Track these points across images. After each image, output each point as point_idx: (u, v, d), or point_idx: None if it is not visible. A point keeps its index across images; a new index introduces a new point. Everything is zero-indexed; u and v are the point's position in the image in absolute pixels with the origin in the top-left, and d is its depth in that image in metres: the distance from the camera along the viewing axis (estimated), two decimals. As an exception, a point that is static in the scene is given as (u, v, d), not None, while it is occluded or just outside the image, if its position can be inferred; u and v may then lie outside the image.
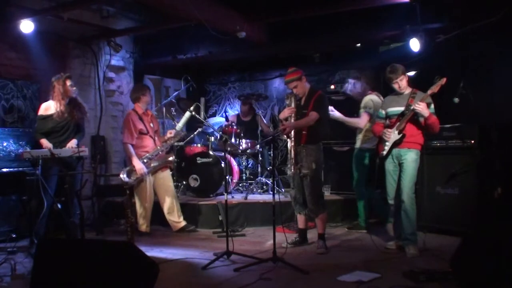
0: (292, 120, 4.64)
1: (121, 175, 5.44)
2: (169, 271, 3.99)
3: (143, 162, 5.50)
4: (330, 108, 5.29)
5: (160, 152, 5.68)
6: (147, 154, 5.57)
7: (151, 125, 5.75)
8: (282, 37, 6.79)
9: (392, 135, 4.35)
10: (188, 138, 7.06)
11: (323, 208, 4.68)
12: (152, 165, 5.58)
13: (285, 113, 4.68)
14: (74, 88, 5.15)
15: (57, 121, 5.02)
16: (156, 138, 5.76)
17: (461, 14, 5.48)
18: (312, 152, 4.60)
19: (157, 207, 5.74)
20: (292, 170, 4.64)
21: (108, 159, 7.26)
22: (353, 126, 5.51)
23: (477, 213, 4.75)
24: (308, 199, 4.65)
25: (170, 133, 5.74)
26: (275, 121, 7.93)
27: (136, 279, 2.60)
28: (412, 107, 4.22)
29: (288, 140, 4.66)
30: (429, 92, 4.19)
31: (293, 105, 4.68)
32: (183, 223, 5.71)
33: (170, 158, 5.77)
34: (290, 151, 4.64)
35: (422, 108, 4.17)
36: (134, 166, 5.45)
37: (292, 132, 4.63)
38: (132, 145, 5.55)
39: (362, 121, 5.36)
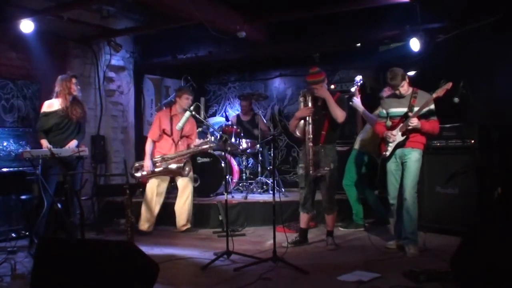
0: (310, 120, 4.61)
1: (132, 171, 5.64)
2: (169, 270, 3.99)
3: (155, 161, 5.58)
4: (353, 91, 5.23)
5: (179, 157, 5.62)
6: (161, 155, 5.60)
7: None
8: (282, 37, 6.80)
9: (396, 137, 4.36)
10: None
11: (336, 206, 4.80)
12: (168, 166, 5.59)
13: (303, 112, 4.66)
14: (78, 87, 5.22)
15: (60, 117, 5.05)
16: (179, 142, 5.71)
17: (461, 14, 5.48)
18: (330, 152, 4.65)
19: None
20: (311, 172, 4.60)
21: (108, 159, 7.26)
22: (369, 121, 5.45)
23: (477, 213, 4.75)
24: (324, 198, 4.71)
25: (196, 141, 5.67)
26: (275, 120, 7.93)
27: (136, 278, 2.60)
28: (408, 124, 4.26)
29: (306, 140, 4.62)
30: (434, 95, 4.18)
31: (310, 104, 4.66)
32: (187, 226, 5.73)
33: (184, 172, 5.63)
34: (309, 151, 4.60)
35: (415, 124, 4.23)
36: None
37: (310, 131, 4.59)
38: (154, 141, 5.66)
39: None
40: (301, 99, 4.76)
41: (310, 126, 4.61)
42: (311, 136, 4.60)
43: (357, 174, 5.55)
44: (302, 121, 4.69)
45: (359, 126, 5.79)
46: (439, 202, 5.11)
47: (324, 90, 4.60)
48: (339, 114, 4.53)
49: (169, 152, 5.64)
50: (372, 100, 5.57)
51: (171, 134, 5.68)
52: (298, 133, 4.72)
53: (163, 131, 5.67)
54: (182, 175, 5.63)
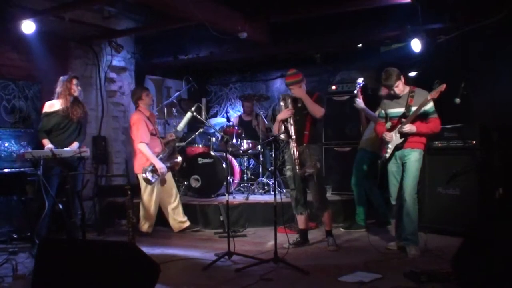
0: (292, 121, 4.69)
1: (147, 175, 5.34)
2: (170, 271, 4.00)
3: None
4: (355, 93, 5.29)
5: (169, 154, 5.69)
6: (158, 155, 5.55)
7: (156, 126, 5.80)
8: (283, 38, 6.80)
9: (394, 138, 4.35)
10: (190, 139, 7.07)
11: (328, 204, 4.83)
12: (168, 164, 5.62)
13: (284, 114, 4.71)
14: (79, 88, 5.23)
15: (61, 118, 5.09)
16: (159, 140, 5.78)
17: (462, 15, 5.47)
18: (314, 151, 4.69)
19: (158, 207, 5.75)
20: (298, 171, 4.64)
21: (110, 159, 7.26)
22: (372, 120, 5.47)
23: (479, 213, 4.75)
24: (315, 198, 4.73)
25: (171, 136, 5.73)
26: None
27: (137, 279, 2.60)
28: (401, 130, 4.25)
29: (290, 140, 4.68)
30: (429, 97, 4.18)
31: (290, 106, 4.73)
32: (188, 223, 5.74)
33: (178, 160, 5.76)
34: (293, 151, 4.65)
35: (409, 129, 4.22)
36: (154, 166, 5.38)
37: (293, 131, 4.65)
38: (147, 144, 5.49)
39: None
40: (281, 102, 4.83)
41: (292, 127, 4.69)
42: (294, 136, 4.66)
43: (363, 173, 5.55)
44: (285, 123, 4.73)
45: (364, 125, 5.79)
46: (440, 203, 5.10)
47: (300, 90, 4.69)
48: (317, 109, 4.64)
49: (161, 151, 5.65)
50: (372, 100, 5.57)
51: (156, 133, 5.70)
52: (282, 136, 4.76)
53: (150, 133, 5.56)
54: (177, 168, 5.76)
